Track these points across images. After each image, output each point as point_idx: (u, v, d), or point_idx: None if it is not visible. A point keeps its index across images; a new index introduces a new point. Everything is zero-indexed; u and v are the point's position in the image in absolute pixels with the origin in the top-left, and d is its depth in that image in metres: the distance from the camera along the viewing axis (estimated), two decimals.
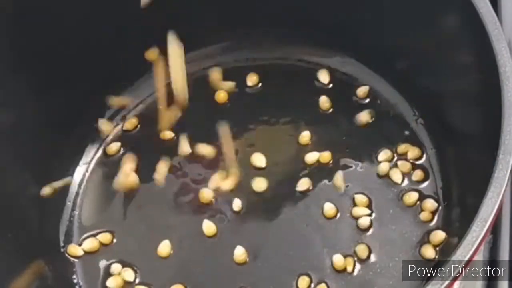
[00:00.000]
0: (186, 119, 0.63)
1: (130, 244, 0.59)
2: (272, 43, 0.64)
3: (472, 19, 0.49)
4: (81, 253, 0.58)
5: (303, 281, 0.55)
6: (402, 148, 0.60)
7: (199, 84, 0.64)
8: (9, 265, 0.54)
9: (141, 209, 0.60)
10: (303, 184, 0.59)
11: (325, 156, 0.60)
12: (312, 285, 0.55)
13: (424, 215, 0.57)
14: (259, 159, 0.60)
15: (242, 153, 0.61)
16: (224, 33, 0.63)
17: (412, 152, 0.59)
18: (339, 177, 0.59)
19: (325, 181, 0.59)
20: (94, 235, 0.59)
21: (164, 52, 0.60)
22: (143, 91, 0.65)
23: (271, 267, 0.56)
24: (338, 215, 0.58)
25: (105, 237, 0.59)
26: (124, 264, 0.58)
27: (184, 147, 0.61)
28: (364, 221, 0.57)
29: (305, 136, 0.61)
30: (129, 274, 0.57)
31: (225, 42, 0.65)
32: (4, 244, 0.54)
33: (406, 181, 0.58)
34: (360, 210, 0.57)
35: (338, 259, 0.56)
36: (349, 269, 0.55)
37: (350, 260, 0.56)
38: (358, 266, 0.56)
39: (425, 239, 0.56)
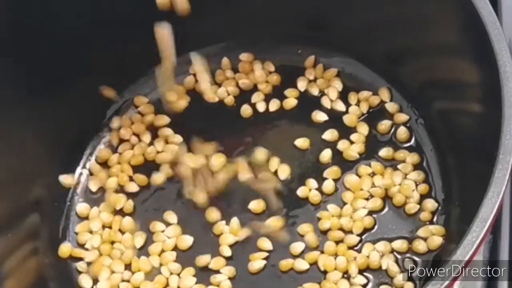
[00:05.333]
0: (187, 118, 0.63)
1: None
2: (272, 43, 0.64)
3: (472, 19, 0.49)
4: (83, 253, 0.59)
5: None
6: (402, 148, 0.60)
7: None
8: (8, 265, 0.54)
9: (142, 208, 0.60)
10: (305, 184, 0.59)
11: (326, 156, 0.60)
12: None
13: (424, 215, 0.57)
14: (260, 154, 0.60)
15: (245, 151, 0.61)
16: (224, 33, 0.63)
17: (412, 152, 0.60)
18: (342, 178, 0.59)
19: (326, 181, 0.59)
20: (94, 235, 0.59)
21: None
22: (144, 90, 0.65)
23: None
24: (339, 215, 0.58)
25: (107, 235, 0.59)
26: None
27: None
28: (365, 221, 0.57)
29: (304, 134, 0.61)
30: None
31: (225, 42, 0.65)
32: (3, 244, 0.54)
33: (406, 181, 0.58)
34: (361, 211, 0.57)
35: (339, 260, 0.56)
36: (351, 272, 0.55)
37: (351, 261, 0.56)
38: (359, 266, 0.56)
39: (424, 239, 0.56)
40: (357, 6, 0.59)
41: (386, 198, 0.58)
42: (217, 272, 0.56)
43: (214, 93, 0.63)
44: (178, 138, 0.62)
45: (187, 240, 0.58)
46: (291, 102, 0.63)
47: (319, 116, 0.62)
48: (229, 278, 0.56)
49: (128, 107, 0.64)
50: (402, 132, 0.60)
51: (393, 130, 0.61)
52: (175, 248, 0.58)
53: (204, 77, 0.61)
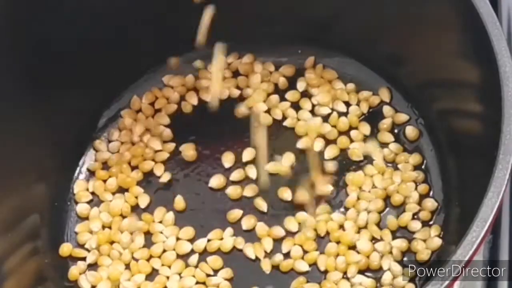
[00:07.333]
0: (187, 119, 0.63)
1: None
2: (272, 43, 0.64)
3: (472, 19, 0.49)
4: (84, 253, 0.58)
5: (299, 282, 0.55)
6: (402, 148, 0.60)
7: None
8: (8, 265, 0.54)
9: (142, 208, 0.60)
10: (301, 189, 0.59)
11: (327, 155, 0.60)
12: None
13: (424, 215, 0.57)
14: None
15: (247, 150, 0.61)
16: (224, 33, 0.63)
17: (412, 152, 0.60)
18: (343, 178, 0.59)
19: (326, 180, 0.59)
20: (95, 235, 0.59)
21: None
22: (144, 90, 0.65)
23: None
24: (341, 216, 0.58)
25: (107, 235, 0.59)
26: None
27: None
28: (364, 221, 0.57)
29: (303, 134, 0.61)
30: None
31: (225, 42, 0.65)
32: (3, 244, 0.54)
33: (406, 181, 0.58)
34: (362, 214, 0.57)
35: (339, 260, 0.56)
36: (350, 272, 0.55)
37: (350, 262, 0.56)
38: (359, 266, 0.56)
39: (424, 240, 0.56)
40: (357, 7, 0.59)
41: (387, 198, 0.58)
42: (216, 272, 0.56)
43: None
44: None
45: (187, 241, 0.58)
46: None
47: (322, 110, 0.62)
48: (228, 279, 0.56)
49: (128, 107, 0.64)
50: (411, 131, 0.60)
51: (395, 129, 0.61)
52: (175, 248, 0.58)
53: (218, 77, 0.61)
